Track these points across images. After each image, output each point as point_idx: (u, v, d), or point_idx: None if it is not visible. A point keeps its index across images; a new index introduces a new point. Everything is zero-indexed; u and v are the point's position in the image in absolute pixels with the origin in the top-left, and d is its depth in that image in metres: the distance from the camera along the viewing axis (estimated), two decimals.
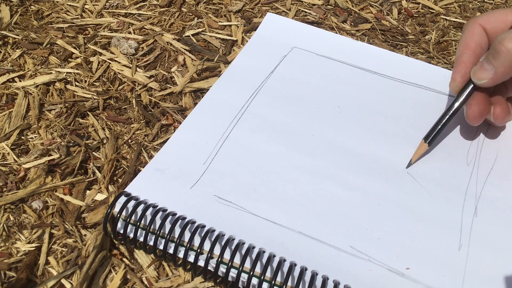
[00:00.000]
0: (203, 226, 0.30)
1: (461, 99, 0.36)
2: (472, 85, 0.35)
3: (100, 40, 0.47)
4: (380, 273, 0.30)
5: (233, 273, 0.29)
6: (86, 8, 0.50)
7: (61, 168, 0.36)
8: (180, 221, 0.30)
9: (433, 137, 0.36)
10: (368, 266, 0.30)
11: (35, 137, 0.38)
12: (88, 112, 0.40)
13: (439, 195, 0.34)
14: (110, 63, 0.44)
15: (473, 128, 0.39)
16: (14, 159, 0.36)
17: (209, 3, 0.52)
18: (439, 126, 0.36)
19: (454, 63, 0.37)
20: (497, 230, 0.32)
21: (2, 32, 0.46)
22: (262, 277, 0.28)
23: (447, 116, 0.36)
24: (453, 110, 0.36)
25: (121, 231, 0.31)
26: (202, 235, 0.30)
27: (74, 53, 0.45)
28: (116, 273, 0.31)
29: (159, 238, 0.30)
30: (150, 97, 0.42)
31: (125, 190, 0.32)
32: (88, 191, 0.35)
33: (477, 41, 0.36)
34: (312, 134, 0.37)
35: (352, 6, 0.53)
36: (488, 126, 0.39)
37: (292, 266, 0.28)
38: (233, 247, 0.29)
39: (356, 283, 0.29)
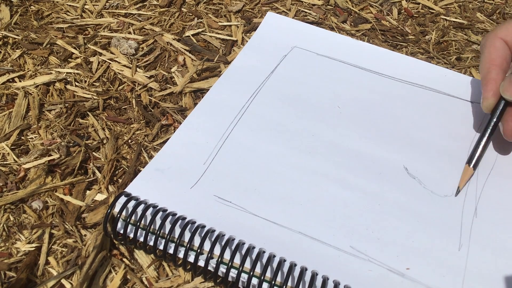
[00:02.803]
0: (203, 226, 0.30)
1: (495, 117, 0.36)
2: (504, 101, 0.35)
3: (100, 40, 0.47)
4: (380, 273, 0.30)
5: (233, 273, 0.29)
6: (86, 8, 0.50)
7: (61, 168, 0.36)
8: (180, 221, 0.30)
9: (476, 160, 0.35)
10: (368, 266, 0.30)
11: (35, 137, 0.38)
12: (88, 112, 0.40)
13: (439, 195, 0.34)
14: (110, 63, 0.44)
15: (474, 127, 0.39)
16: (14, 159, 0.36)
17: (209, 3, 0.52)
18: (480, 149, 0.36)
19: (482, 81, 0.36)
20: (497, 230, 0.32)
21: (2, 32, 0.46)
22: (262, 277, 0.28)
23: (486, 137, 0.36)
24: (490, 129, 0.36)
25: (121, 231, 0.31)
26: (202, 235, 0.30)
27: (74, 53, 0.45)
28: (116, 273, 0.31)
29: (159, 238, 0.30)
30: (150, 97, 0.42)
31: (125, 190, 0.32)
32: (88, 191, 0.35)
33: (501, 56, 0.36)
34: (312, 134, 0.37)
35: (352, 6, 0.53)
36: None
37: (292, 266, 0.28)
38: (233, 247, 0.29)
39: (356, 283, 0.29)
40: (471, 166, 0.35)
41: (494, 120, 0.36)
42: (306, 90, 0.41)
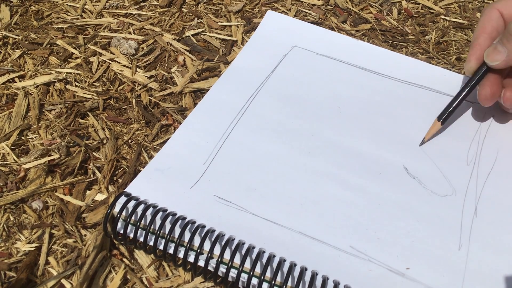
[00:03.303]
0: (203, 226, 0.30)
1: (474, 80, 0.37)
2: (486, 67, 0.36)
3: (100, 41, 0.47)
4: (380, 273, 0.30)
5: (233, 273, 0.29)
6: (86, 9, 0.50)
7: (61, 168, 0.36)
8: (180, 221, 0.30)
9: (446, 116, 0.37)
10: (368, 266, 0.30)
11: (35, 137, 0.38)
12: (88, 113, 0.40)
13: (439, 195, 0.34)
14: (110, 63, 0.44)
15: (474, 127, 0.39)
16: (14, 159, 0.36)
17: (209, 4, 0.52)
18: (453, 106, 0.37)
19: (470, 46, 0.38)
20: (497, 230, 0.32)
21: (2, 32, 0.46)
22: (262, 277, 0.28)
23: (461, 96, 0.37)
24: (467, 90, 0.37)
25: (121, 231, 0.31)
26: (202, 235, 0.30)
27: (74, 54, 0.45)
28: (116, 273, 0.31)
29: (159, 238, 0.30)
30: (150, 97, 0.42)
31: (125, 190, 0.32)
32: (88, 191, 0.35)
33: (493, 25, 0.37)
34: (312, 134, 0.37)
35: (352, 7, 0.53)
36: (489, 126, 0.39)
37: (292, 266, 0.28)
38: (233, 247, 0.29)
39: (356, 283, 0.29)
40: (440, 121, 0.37)
41: (472, 83, 0.37)
42: (306, 90, 0.41)
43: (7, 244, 0.32)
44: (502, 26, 0.37)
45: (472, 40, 0.38)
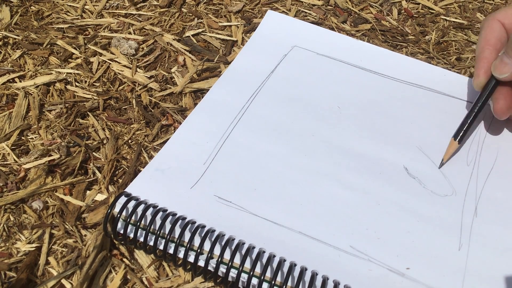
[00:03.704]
0: (203, 226, 0.30)
1: (485, 95, 0.36)
2: (495, 80, 0.36)
3: (100, 41, 0.47)
4: (380, 273, 0.30)
5: (233, 273, 0.29)
6: (86, 9, 0.51)
7: (61, 168, 0.36)
8: (180, 221, 0.30)
9: (462, 135, 0.36)
10: (368, 266, 0.30)
11: (35, 137, 0.38)
12: (88, 113, 0.40)
13: (439, 195, 0.34)
14: (110, 63, 0.44)
15: (473, 127, 0.39)
16: (14, 160, 0.36)
17: (209, 4, 0.52)
18: (467, 123, 0.36)
19: (475, 60, 0.37)
20: (497, 230, 0.32)
21: (2, 32, 0.46)
22: (262, 277, 0.28)
23: (474, 113, 0.36)
24: (479, 106, 0.36)
25: (121, 231, 0.31)
26: (202, 235, 0.30)
27: (74, 54, 0.45)
28: (116, 273, 0.31)
29: (159, 238, 0.30)
30: (150, 98, 0.42)
31: (125, 190, 0.32)
32: (88, 192, 0.35)
33: (497, 37, 0.37)
34: (312, 134, 0.37)
35: (352, 7, 0.53)
36: (489, 126, 0.39)
37: (292, 266, 0.28)
38: (233, 247, 0.29)
39: (356, 283, 0.29)
40: (457, 140, 0.36)
41: (483, 98, 0.36)
42: (306, 90, 0.41)
43: (7, 244, 0.32)
44: (505, 36, 0.37)
45: (477, 54, 0.37)
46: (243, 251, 0.29)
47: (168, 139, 0.37)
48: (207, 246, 0.29)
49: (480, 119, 0.40)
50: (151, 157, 0.37)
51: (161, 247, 0.30)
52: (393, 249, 0.31)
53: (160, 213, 0.31)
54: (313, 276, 0.28)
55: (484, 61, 0.36)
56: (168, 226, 0.30)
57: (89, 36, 0.47)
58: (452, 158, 0.36)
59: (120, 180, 0.36)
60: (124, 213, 0.31)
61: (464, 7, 0.54)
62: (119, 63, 0.45)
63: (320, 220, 0.32)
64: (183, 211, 0.31)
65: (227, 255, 0.29)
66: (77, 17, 0.49)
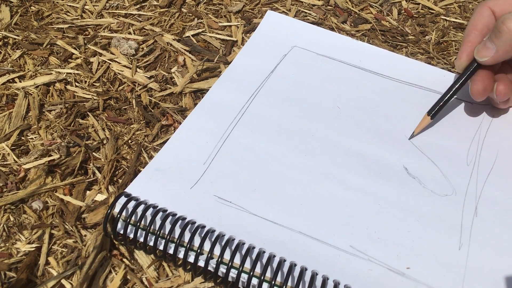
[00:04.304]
0: (203, 227, 0.30)
1: (465, 76, 0.37)
2: (476, 64, 0.37)
3: (100, 41, 0.47)
4: (380, 272, 0.30)
5: (233, 273, 0.29)
6: (86, 9, 0.51)
7: (61, 168, 0.36)
8: (180, 221, 0.30)
9: (436, 111, 0.37)
10: (368, 265, 0.30)
11: (35, 137, 0.38)
12: (88, 113, 0.40)
13: (439, 195, 0.34)
14: (110, 63, 0.44)
15: (474, 127, 0.39)
16: (14, 160, 0.36)
17: (209, 4, 0.52)
18: (443, 101, 0.37)
19: (462, 42, 0.38)
20: (497, 230, 0.32)
21: (2, 32, 0.46)
22: (262, 277, 0.28)
23: (451, 92, 0.38)
24: (457, 85, 0.38)
25: (121, 232, 0.31)
26: (202, 235, 0.30)
27: (74, 54, 0.45)
28: (116, 274, 0.31)
29: (159, 238, 0.30)
30: (150, 98, 0.42)
31: (125, 190, 0.32)
32: (88, 192, 0.35)
33: (484, 22, 0.38)
34: (312, 134, 0.37)
35: (352, 7, 0.53)
36: (489, 126, 0.39)
37: (292, 266, 0.28)
38: (233, 247, 0.29)
39: (356, 283, 0.29)
40: (430, 115, 0.37)
41: (463, 78, 0.37)
42: (306, 90, 0.41)
43: (7, 244, 0.32)
44: (493, 23, 0.37)
45: (463, 37, 0.39)
46: (243, 251, 0.29)
47: (168, 139, 0.37)
48: (207, 246, 0.29)
49: (479, 118, 0.40)
50: (151, 157, 0.37)
51: (161, 247, 0.30)
52: (393, 248, 0.31)
53: (160, 213, 0.31)
54: (313, 276, 0.28)
55: (468, 45, 0.37)
56: (168, 226, 0.30)
57: (89, 36, 0.47)
58: (452, 158, 0.36)
59: (120, 180, 0.36)
60: (124, 213, 0.31)
61: (464, 7, 0.54)
62: (119, 63, 0.45)
63: (320, 220, 0.32)
64: (183, 211, 0.31)
65: (227, 255, 0.29)
66: (77, 17, 0.49)
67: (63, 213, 0.33)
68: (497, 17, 0.37)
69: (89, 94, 0.42)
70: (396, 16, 0.52)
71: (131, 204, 0.31)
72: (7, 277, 0.30)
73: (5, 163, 0.36)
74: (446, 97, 0.38)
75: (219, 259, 0.28)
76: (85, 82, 0.43)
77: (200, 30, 0.48)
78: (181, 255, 0.30)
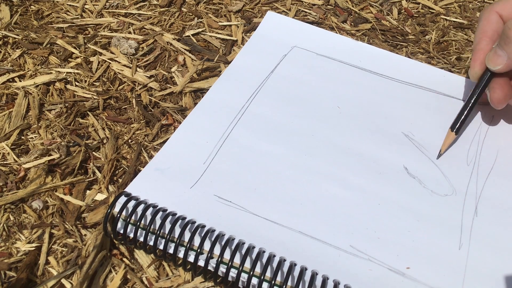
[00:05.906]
0: (203, 226, 0.30)
1: (481, 85, 0.37)
2: (490, 71, 0.36)
3: (100, 40, 0.47)
4: (380, 272, 0.30)
5: (233, 273, 0.29)
6: (86, 8, 0.50)
7: (61, 168, 0.36)
8: (180, 221, 0.30)
9: (459, 126, 0.37)
10: (368, 265, 0.30)
11: (35, 137, 0.38)
12: (88, 112, 0.40)
13: (439, 195, 0.34)
14: (110, 63, 0.44)
15: (474, 127, 0.39)
16: (14, 159, 0.36)
17: (209, 3, 0.52)
18: (464, 114, 0.37)
19: (472, 51, 0.38)
20: (497, 230, 0.32)
21: (2, 32, 0.46)
22: (262, 277, 0.28)
23: (470, 104, 0.37)
24: (475, 96, 0.37)
25: (121, 231, 0.31)
26: (202, 235, 0.30)
27: (74, 53, 0.45)
28: (116, 273, 0.31)
29: (159, 238, 0.30)
30: (150, 97, 0.42)
31: (125, 190, 0.32)
32: (88, 191, 0.35)
33: (493, 28, 0.37)
34: (312, 134, 0.37)
35: (352, 6, 0.53)
36: (489, 126, 0.39)
37: (292, 266, 0.28)
38: (233, 247, 0.29)
39: (356, 283, 0.29)
40: (454, 131, 0.36)
41: (479, 88, 0.37)
42: (306, 90, 0.41)
43: (7, 244, 0.32)
44: (502, 28, 0.37)
45: (473, 45, 0.38)
46: (243, 251, 0.29)
47: (168, 139, 0.37)
48: (207, 246, 0.29)
49: (479, 118, 0.40)
50: (151, 157, 0.37)
51: (161, 247, 0.30)
52: (393, 248, 0.31)
53: (160, 213, 0.31)
54: (313, 276, 0.28)
55: (480, 53, 0.37)
56: (168, 226, 0.30)
57: (89, 35, 0.47)
58: (452, 158, 0.36)
59: (120, 180, 0.36)
60: (124, 213, 0.31)
61: (464, 7, 0.54)
62: (119, 62, 0.45)
63: (320, 219, 0.32)
64: (183, 211, 0.31)
65: (227, 255, 0.29)
66: (77, 16, 0.49)
67: (63, 212, 0.33)
68: (505, 22, 0.37)
69: (89, 94, 0.42)
70: (396, 15, 0.52)
71: (131, 203, 0.31)
72: (7, 277, 0.30)
73: (5, 162, 0.36)
74: (467, 110, 0.37)
75: (219, 259, 0.28)
76: (85, 81, 0.43)
77: (200, 30, 0.48)
78: (181, 254, 0.30)
